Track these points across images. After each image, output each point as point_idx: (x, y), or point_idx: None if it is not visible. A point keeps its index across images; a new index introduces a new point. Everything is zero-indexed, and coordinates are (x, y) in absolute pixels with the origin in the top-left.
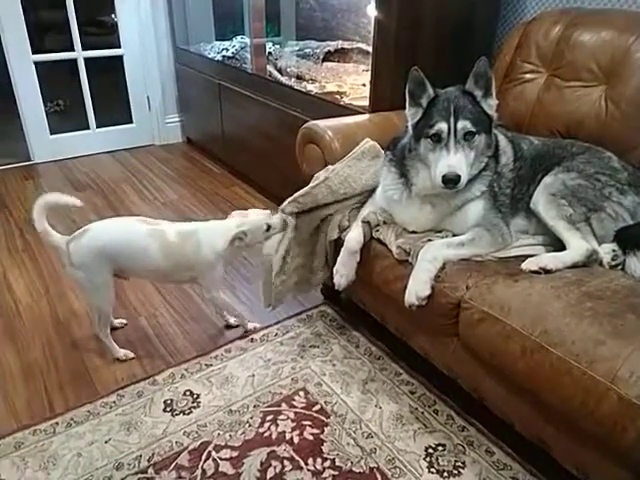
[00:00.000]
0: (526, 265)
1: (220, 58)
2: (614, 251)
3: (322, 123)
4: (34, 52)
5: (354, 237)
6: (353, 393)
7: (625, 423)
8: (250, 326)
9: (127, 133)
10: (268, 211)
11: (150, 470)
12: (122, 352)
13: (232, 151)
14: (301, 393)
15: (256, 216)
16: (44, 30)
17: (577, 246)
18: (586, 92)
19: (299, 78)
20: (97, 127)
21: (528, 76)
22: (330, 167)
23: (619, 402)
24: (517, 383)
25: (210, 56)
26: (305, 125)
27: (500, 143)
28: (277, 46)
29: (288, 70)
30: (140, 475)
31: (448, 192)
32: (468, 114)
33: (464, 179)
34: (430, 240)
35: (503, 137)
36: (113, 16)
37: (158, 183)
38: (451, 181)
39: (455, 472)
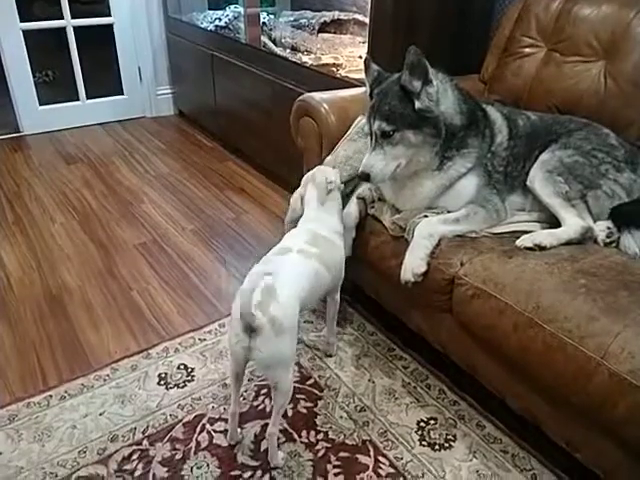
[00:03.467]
0: (521, 242)
1: (213, 28)
2: (609, 228)
3: (318, 96)
4: (22, 20)
5: (349, 213)
6: (347, 368)
7: (615, 398)
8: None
9: (118, 105)
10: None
11: (145, 442)
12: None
13: (225, 124)
14: (295, 367)
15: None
16: None
17: (572, 223)
18: (585, 67)
19: (294, 49)
20: (87, 98)
21: (527, 50)
22: (328, 158)
23: (610, 378)
24: (509, 358)
25: (203, 26)
26: (300, 97)
27: (495, 122)
28: (272, 16)
29: (283, 41)
30: (135, 447)
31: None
32: (385, 113)
33: (375, 177)
34: (426, 216)
35: (499, 115)
36: None
37: (149, 156)
38: (365, 177)
39: (446, 445)
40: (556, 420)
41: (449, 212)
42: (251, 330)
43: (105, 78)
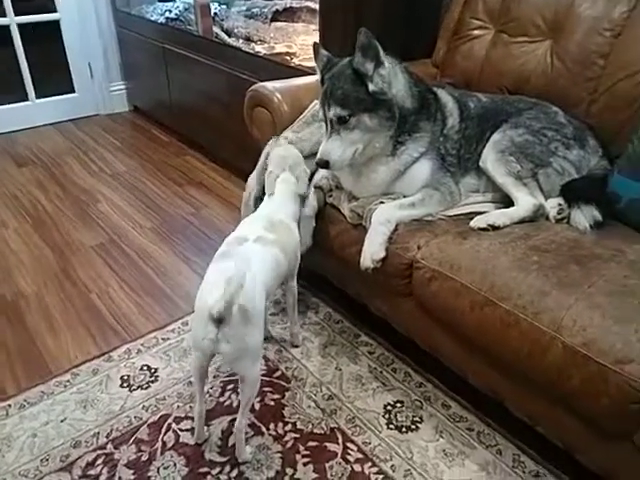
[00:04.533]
0: (474, 223)
1: (164, 20)
2: (560, 205)
3: (270, 85)
4: None
5: (308, 203)
6: (313, 357)
7: (570, 371)
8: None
9: (70, 103)
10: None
11: (109, 445)
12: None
13: (181, 118)
14: (262, 360)
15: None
16: None
17: (524, 202)
18: (532, 47)
19: (247, 39)
20: (37, 98)
21: (476, 32)
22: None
23: (564, 350)
24: (468, 337)
25: (152, 18)
26: (252, 87)
27: (446, 105)
28: (224, 6)
29: (235, 31)
30: (99, 451)
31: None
32: (339, 98)
33: (334, 163)
34: (382, 202)
35: (450, 98)
36: None
37: (104, 154)
38: (324, 164)
39: (413, 427)
40: (516, 395)
41: (405, 197)
42: (219, 321)
43: (55, 76)
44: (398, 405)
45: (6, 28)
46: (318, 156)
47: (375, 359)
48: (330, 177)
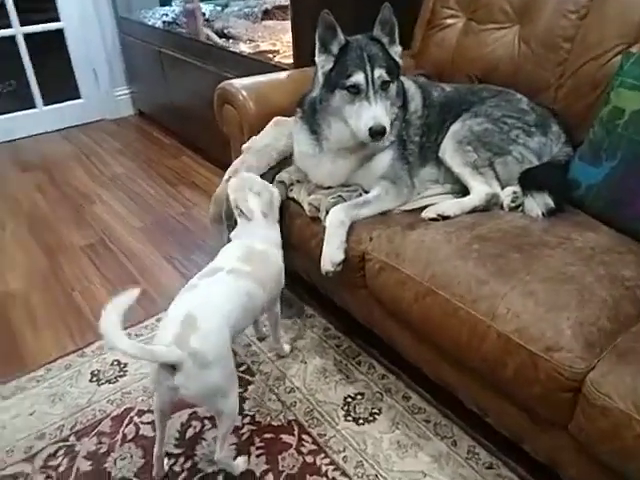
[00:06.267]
0: (425, 213)
1: (161, 24)
2: (515, 193)
3: (237, 82)
4: None
5: None
6: None
7: (505, 359)
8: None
9: (76, 109)
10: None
11: (72, 438)
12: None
13: (179, 120)
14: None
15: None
16: None
17: (478, 191)
18: (501, 34)
19: (236, 39)
20: (44, 105)
21: (448, 21)
22: (244, 146)
23: (498, 338)
24: (415, 327)
25: (150, 23)
26: (220, 85)
27: (409, 90)
28: (218, 8)
29: (225, 32)
30: (61, 443)
31: (373, 144)
32: (382, 62)
33: (389, 129)
34: (340, 195)
35: (412, 83)
36: None
37: (106, 158)
38: (378, 133)
39: (370, 418)
40: (464, 385)
41: (364, 190)
42: (172, 367)
43: (61, 83)
44: (358, 397)
45: (12, 39)
46: (371, 123)
47: (342, 352)
48: (291, 171)
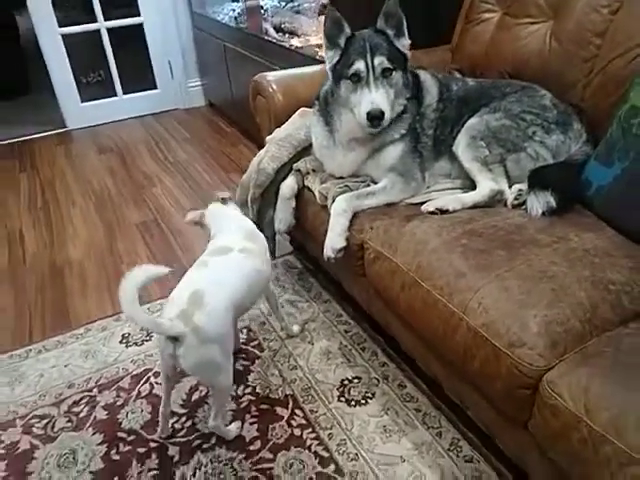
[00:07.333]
0: (425, 207)
1: (227, 20)
2: (520, 191)
3: (269, 75)
4: (60, 26)
5: (287, 184)
6: None
7: (473, 351)
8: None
9: (152, 98)
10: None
11: (95, 390)
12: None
13: (240, 111)
14: (244, 330)
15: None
16: (69, 5)
17: (483, 187)
18: (534, 29)
19: (292, 34)
20: (124, 94)
21: (485, 16)
22: (268, 137)
23: (468, 331)
24: (402, 317)
25: (218, 18)
26: (254, 78)
27: (425, 83)
28: (282, 3)
29: (283, 26)
30: (86, 393)
31: (373, 131)
32: (384, 50)
33: (388, 115)
34: (347, 185)
35: (429, 77)
36: None
37: (172, 144)
38: (375, 118)
39: (362, 402)
40: (447, 378)
41: (372, 181)
42: (175, 339)
43: (140, 74)
44: (355, 381)
45: (97, 32)
46: (368, 107)
47: (349, 337)
48: (308, 160)
